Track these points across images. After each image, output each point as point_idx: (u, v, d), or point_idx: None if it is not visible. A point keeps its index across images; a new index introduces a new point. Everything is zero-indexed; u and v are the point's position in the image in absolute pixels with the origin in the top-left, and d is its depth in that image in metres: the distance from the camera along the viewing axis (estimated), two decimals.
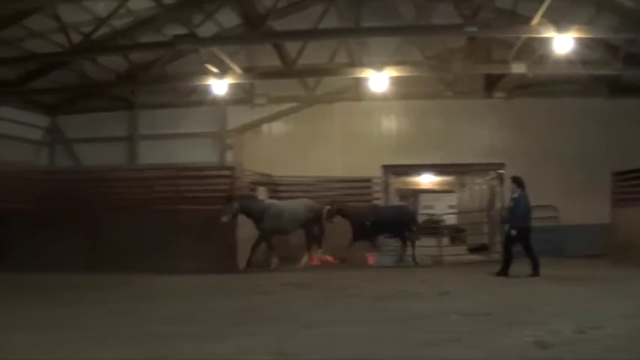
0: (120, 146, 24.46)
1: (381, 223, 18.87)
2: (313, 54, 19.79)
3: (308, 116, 23.18)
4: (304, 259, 18.49)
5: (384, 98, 21.15)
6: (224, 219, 16.44)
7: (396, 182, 25.63)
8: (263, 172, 20.84)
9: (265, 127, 23.66)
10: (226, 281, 14.84)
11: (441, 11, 18.61)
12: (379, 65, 18.83)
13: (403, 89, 21.23)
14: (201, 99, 22.68)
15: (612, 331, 7.79)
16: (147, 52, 21.19)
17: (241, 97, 23.14)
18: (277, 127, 23.63)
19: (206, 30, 19.59)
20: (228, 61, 19.36)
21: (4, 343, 7.32)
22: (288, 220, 17.94)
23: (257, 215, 17.33)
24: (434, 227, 24.39)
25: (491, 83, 21.64)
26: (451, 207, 32.65)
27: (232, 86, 20.81)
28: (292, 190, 20.77)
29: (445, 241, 23.66)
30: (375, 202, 21.66)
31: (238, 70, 19.84)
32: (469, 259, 20.18)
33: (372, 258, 19.00)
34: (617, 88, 21.27)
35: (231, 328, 8.40)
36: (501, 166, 21.26)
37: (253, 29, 17.86)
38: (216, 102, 22.11)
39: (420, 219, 31.81)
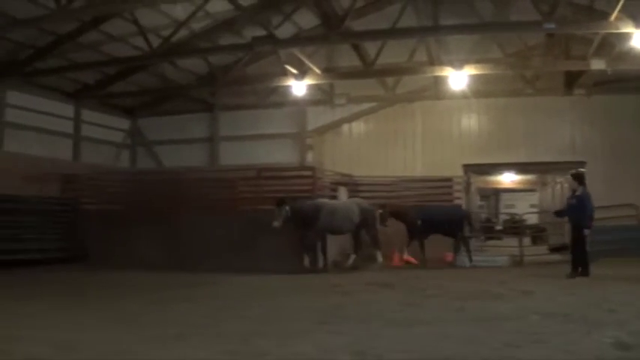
0: (200, 148, 24.94)
1: (434, 223, 18.58)
2: (392, 53, 19.79)
3: (388, 116, 23.18)
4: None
5: (463, 96, 21.03)
6: (275, 224, 16.30)
7: (477, 181, 25.39)
8: (343, 173, 20.92)
9: (345, 127, 23.74)
10: (307, 281, 14.89)
11: (519, 8, 18.34)
12: (459, 63, 18.68)
13: (483, 87, 21.09)
14: (281, 100, 22.96)
15: None
16: (226, 54, 21.55)
17: (321, 97, 23.31)
18: (357, 127, 23.67)
19: (284, 31, 19.75)
20: (307, 61, 19.51)
21: (85, 341, 7.50)
22: (341, 219, 17.45)
23: (310, 216, 16.90)
24: (515, 227, 24.07)
25: (571, 80, 21.19)
26: (532, 206, 32.26)
27: (312, 87, 21.00)
28: (373, 190, 20.77)
29: (526, 240, 23.27)
30: (457, 201, 21.54)
31: (317, 71, 19.97)
32: (550, 259, 19.85)
33: (450, 258, 18.89)
34: None
35: (312, 327, 8.42)
36: (582, 164, 20.83)
37: (332, 30, 17.88)
38: (295, 103, 22.34)
39: (501, 219, 31.57)
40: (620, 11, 15.00)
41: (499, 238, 26.57)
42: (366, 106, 23.42)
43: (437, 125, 22.62)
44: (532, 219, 28.41)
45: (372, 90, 22.80)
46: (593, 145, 21.14)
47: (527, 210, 29.67)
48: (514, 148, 21.87)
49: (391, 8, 19.58)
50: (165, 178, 21.62)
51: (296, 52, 19.12)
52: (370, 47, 19.88)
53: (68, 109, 22.46)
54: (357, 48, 19.88)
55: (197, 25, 19.77)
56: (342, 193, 19.51)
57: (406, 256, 18.89)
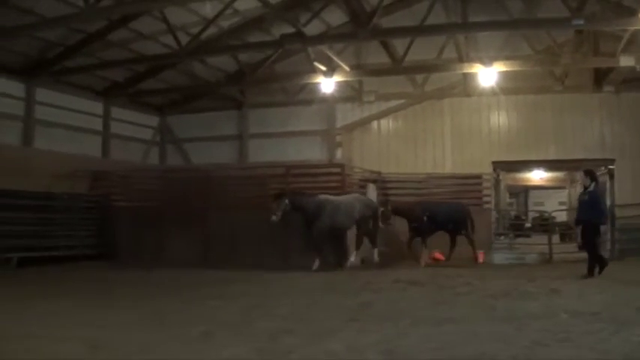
0: (229, 145, 25.04)
1: (437, 220, 18.49)
2: (421, 50, 19.76)
3: (417, 113, 23.12)
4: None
5: (492, 93, 20.93)
6: (274, 218, 16.16)
7: (507, 178, 25.33)
8: (372, 170, 20.96)
9: (374, 124, 23.67)
10: (336, 278, 14.94)
11: (548, 4, 18.21)
12: (488, 60, 18.61)
13: (512, 84, 21.03)
14: (310, 97, 22.99)
15: None
16: (255, 51, 21.65)
17: (350, 94, 23.31)
18: (386, 124, 23.59)
19: (313, 29, 19.79)
20: (336, 59, 19.57)
21: (107, 340, 7.52)
22: (344, 216, 17.15)
23: (312, 212, 16.62)
24: (544, 224, 23.96)
25: (601, 77, 21.05)
26: (561, 204, 32.10)
27: (340, 84, 21.05)
28: (402, 187, 20.80)
29: (555, 238, 23.14)
30: (486, 199, 21.55)
31: (346, 68, 20.01)
32: (578, 257, 19.77)
33: (482, 256, 18.86)
34: None
35: (341, 325, 8.43)
36: (611, 161, 20.73)
37: (360, 27, 17.87)
38: (324, 100, 22.35)
39: (530, 216, 31.44)
40: None
41: (528, 236, 26.46)
42: (394, 103, 23.33)
43: (466, 122, 22.52)
44: (561, 216, 28.28)
45: (400, 87, 22.80)
46: (622, 143, 20.96)
47: (556, 207, 29.51)
48: (543, 145, 21.76)
49: (420, 5, 19.59)
50: (195, 175, 21.76)
51: (325, 49, 19.17)
52: (399, 44, 19.88)
53: (97, 107, 22.65)
54: (385, 45, 19.90)
55: (226, 23, 19.83)
56: (371, 190, 19.53)
57: (437, 254, 18.92)
